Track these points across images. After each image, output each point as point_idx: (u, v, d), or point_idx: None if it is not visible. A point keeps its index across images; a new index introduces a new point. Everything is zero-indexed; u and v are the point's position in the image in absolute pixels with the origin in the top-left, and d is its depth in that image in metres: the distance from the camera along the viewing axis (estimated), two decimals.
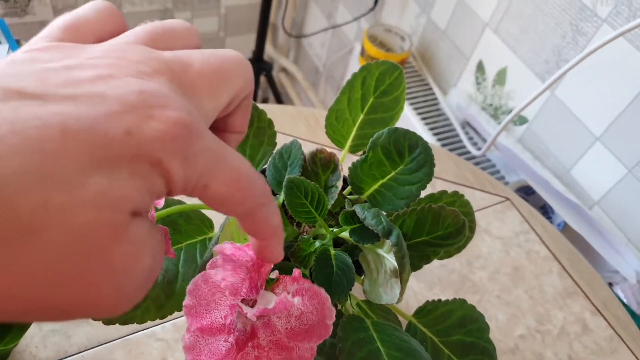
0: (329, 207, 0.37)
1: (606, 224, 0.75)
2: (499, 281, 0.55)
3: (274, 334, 0.24)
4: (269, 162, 0.39)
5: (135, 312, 0.31)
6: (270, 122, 0.39)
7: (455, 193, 0.40)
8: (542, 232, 0.61)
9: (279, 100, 1.38)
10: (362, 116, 0.40)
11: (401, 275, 0.31)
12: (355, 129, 0.40)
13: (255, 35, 1.24)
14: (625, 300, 0.73)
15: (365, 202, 0.38)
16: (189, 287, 0.23)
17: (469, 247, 0.57)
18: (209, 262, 0.24)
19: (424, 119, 0.94)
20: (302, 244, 0.36)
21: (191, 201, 0.43)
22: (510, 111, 0.88)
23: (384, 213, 0.33)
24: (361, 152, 0.39)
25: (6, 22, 1.11)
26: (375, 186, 0.37)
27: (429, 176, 0.35)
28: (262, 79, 1.36)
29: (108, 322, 0.31)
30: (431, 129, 0.93)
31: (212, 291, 0.23)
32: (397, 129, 0.36)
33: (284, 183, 0.36)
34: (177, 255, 0.34)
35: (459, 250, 0.41)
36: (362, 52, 1.01)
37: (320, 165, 0.39)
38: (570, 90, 0.77)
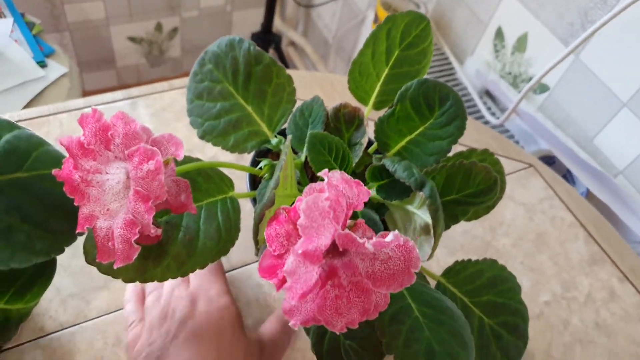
0: (353, 165, 0.36)
1: (631, 192, 0.73)
2: (522, 248, 0.54)
3: (355, 276, 0.24)
4: (289, 119, 0.38)
5: (155, 269, 0.30)
6: (289, 79, 0.37)
7: (485, 151, 0.38)
8: (567, 199, 0.59)
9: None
10: (387, 70, 0.38)
11: (435, 229, 0.29)
12: (379, 84, 0.39)
13: (264, 8, 1.21)
14: None
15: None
16: (302, 207, 0.23)
17: (492, 213, 0.55)
18: (314, 186, 0.24)
19: None
20: None
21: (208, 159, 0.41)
22: (530, 79, 0.85)
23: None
24: (386, 109, 0.38)
25: None
26: (403, 142, 0.35)
27: (460, 130, 0.33)
28: (271, 52, 1.33)
29: (129, 279, 0.30)
30: None
31: (323, 213, 0.23)
32: (426, 80, 0.34)
33: (306, 139, 0.34)
34: (198, 213, 0.33)
35: (487, 210, 0.39)
36: (376, 20, 0.98)
37: (343, 122, 0.37)
38: (596, 54, 0.74)
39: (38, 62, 0.96)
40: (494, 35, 0.89)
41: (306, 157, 0.36)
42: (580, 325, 0.49)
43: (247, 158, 0.47)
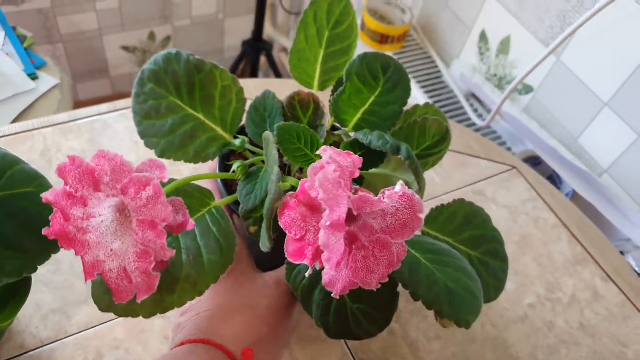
0: (322, 145, 0.37)
1: (616, 191, 0.73)
2: (506, 250, 0.54)
3: (373, 234, 0.26)
4: (245, 118, 0.39)
5: (172, 297, 0.31)
6: (234, 79, 0.38)
7: (426, 104, 0.42)
8: (550, 200, 0.59)
9: (278, 77, 1.36)
10: (322, 51, 0.41)
11: (419, 183, 0.31)
12: (318, 65, 0.41)
13: (254, 15, 1.22)
14: (637, 269, 0.72)
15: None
16: (318, 182, 0.24)
17: None
18: (316, 165, 0.26)
19: (427, 92, 0.92)
20: None
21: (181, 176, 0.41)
22: (514, 80, 0.85)
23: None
24: (331, 87, 0.40)
25: (2, 11, 1.10)
26: (359, 115, 0.38)
27: (406, 92, 0.37)
28: (262, 59, 1.34)
29: (149, 314, 0.30)
30: (435, 102, 0.91)
31: (335, 184, 0.24)
32: (366, 54, 0.36)
33: (274, 132, 0.35)
34: (192, 231, 0.33)
35: (440, 158, 0.41)
36: (362, 27, 0.99)
37: (299, 108, 0.39)
38: (576, 56, 0.74)
39: (29, 75, 0.96)
40: (478, 38, 0.90)
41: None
42: (565, 327, 0.49)
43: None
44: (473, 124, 0.87)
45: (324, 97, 0.40)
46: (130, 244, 0.26)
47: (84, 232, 0.27)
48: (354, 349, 0.44)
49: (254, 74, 1.31)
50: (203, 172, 0.40)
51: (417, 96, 0.91)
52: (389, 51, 0.98)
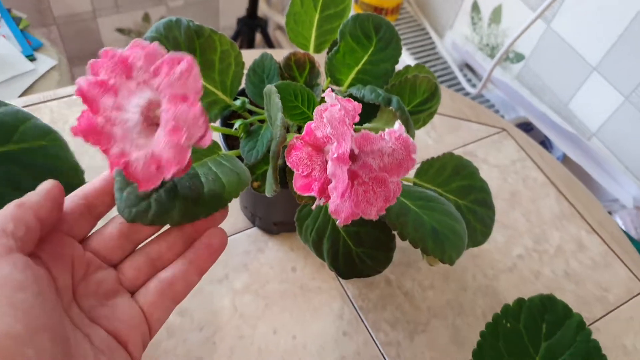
0: (318, 103, 0.39)
1: (604, 153, 0.76)
2: (497, 206, 0.56)
3: (372, 172, 0.29)
4: (244, 80, 0.41)
5: (198, 208, 0.30)
6: (232, 44, 0.39)
7: (418, 65, 0.43)
8: (539, 160, 0.62)
9: None
10: (317, 15, 0.43)
11: (409, 133, 0.33)
12: (314, 28, 0.43)
13: None
14: (624, 228, 0.75)
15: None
16: (326, 119, 0.27)
17: None
18: (321, 108, 0.28)
19: (421, 63, 0.94)
20: None
21: None
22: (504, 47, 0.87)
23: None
24: (327, 49, 0.42)
25: None
26: (353, 74, 0.40)
27: (398, 50, 0.39)
28: (258, 36, 1.35)
29: (177, 223, 0.29)
30: None
31: (341, 121, 0.27)
32: (358, 15, 0.38)
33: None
34: (206, 165, 0.33)
35: (431, 115, 0.43)
36: (356, 0, 1.00)
37: (295, 69, 0.41)
38: (565, 22, 0.76)
39: (27, 56, 0.98)
40: (471, 8, 0.91)
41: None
42: (551, 275, 0.52)
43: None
44: (467, 93, 0.89)
45: (321, 59, 0.42)
46: (159, 135, 0.25)
47: (112, 123, 0.26)
48: (354, 298, 0.47)
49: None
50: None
51: None
52: None
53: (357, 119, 0.30)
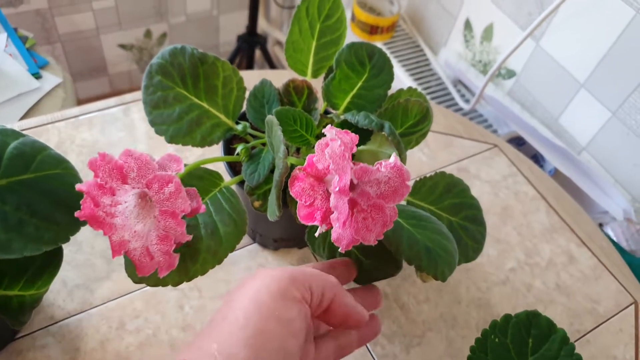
0: (316, 127, 0.41)
1: (594, 167, 0.78)
2: (489, 221, 0.59)
3: (370, 200, 0.31)
4: (245, 105, 0.43)
5: (195, 266, 0.35)
6: (235, 70, 0.42)
7: (410, 88, 0.46)
8: (530, 174, 0.64)
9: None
10: (314, 42, 0.45)
11: (401, 156, 0.35)
12: (311, 55, 0.46)
13: (248, 10, 1.25)
14: (615, 239, 0.76)
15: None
16: (328, 154, 0.29)
17: None
18: (322, 142, 0.30)
19: (416, 79, 0.97)
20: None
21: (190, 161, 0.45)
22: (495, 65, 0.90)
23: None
24: (324, 75, 0.44)
25: (3, 12, 1.13)
26: (348, 98, 0.42)
27: (390, 76, 0.42)
28: (257, 52, 1.38)
29: (177, 282, 0.35)
30: (424, 88, 0.95)
31: (342, 156, 0.29)
32: (353, 43, 0.41)
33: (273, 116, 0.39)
34: (207, 209, 0.37)
35: (424, 136, 0.46)
36: (353, 18, 1.03)
37: (294, 94, 0.43)
38: (554, 41, 0.79)
39: (33, 74, 1.00)
40: (463, 26, 0.94)
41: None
42: (543, 288, 0.54)
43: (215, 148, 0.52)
44: (460, 108, 0.92)
45: (318, 84, 0.45)
46: (152, 228, 0.31)
47: (112, 216, 0.31)
48: None
49: (249, 67, 1.35)
50: (209, 156, 0.44)
51: (407, 83, 0.96)
52: (379, 41, 1.02)
53: (355, 149, 0.32)
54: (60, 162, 0.38)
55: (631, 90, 0.70)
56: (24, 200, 0.35)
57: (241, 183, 0.43)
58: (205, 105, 0.42)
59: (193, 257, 0.36)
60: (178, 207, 0.30)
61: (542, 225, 0.59)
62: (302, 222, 0.31)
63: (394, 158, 0.30)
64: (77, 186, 0.31)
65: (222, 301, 0.49)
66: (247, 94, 0.44)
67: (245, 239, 0.53)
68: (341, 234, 0.30)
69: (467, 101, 0.94)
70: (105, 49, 1.47)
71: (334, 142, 0.29)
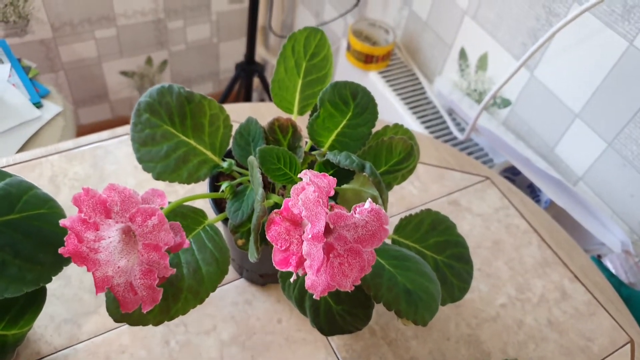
0: (300, 165, 0.42)
1: (591, 198, 0.77)
2: (480, 255, 0.58)
3: (347, 244, 0.31)
4: (231, 143, 0.44)
5: (177, 305, 0.35)
6: (221, 108, 0.43)
7: (396, 125, 0.46)
8: (522, 207, 0.63)
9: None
10: (300, 81, 0.46)
11: (382, 197, 0.35)
12: (297, 93, 0.46)
13: (246, 39, 1.28)
14: (614, 271, 0.75)
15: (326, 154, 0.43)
16: (301, 201, 0.29)
17: None
18: (297, 187, 0.30)
19: (411, 108, 0.97)
20: None
21: (174, 199, 0.45)
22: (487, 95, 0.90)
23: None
24: (309, 112, 0.45)
25: (7, 43, 1.16)
26: (332, 137, 0.43)
27: (374, 115, 0.42)
28: (256, 80, 1.40)
29: (158, 322, 0.35)
30: (419, 117, 0.96)
31: (315, 203, 0.29)
32: (337, 82, 0.41)
33: (257, 155, 0.40)
34: (190, 247, 0.38)
35: (410, 172, 0.46)
36: (349, 47, 1.04)
37: (279, 132, 0.44)
38: (548, 71, 0.79)
39: (34, 104, 1.02)
40: (458, 55, 0.95)
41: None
42: (534, 324, 0.53)
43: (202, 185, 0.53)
44: (454, 137, 0.92)
45: (303, 122, 0.45)
46: (136, 262, 0.31)
47: (95, 252, 0.31)
48: (338, 349, 0.48)
49: (248, 94, 1.36)
50: (197, 191, 0.44)
51: (401, 113, 0.96)
52: (374, 70, 1.03)
53: (332, 192, 0.32)
54: (46, 202, 0.38)
55: (627, 121, 0.70)
56: (8, 241, 0.35)
57: (226, 220, 0.43)
58: (192, 142, 0.43)
59: (175, 296, 0.36)
60: (161, 239, 0.30)
61: (534, 260, 0.59)
62: (277, 267, 0.31)
63: (369, 203, 0.30)
64: (61, 221, 0.31)
65: (208, 336, 0.48)
66: (234, 131, 0.44)
67: (232, 273, 0.53)
68: (315, 280, 0.29)
69: (462, 130, 0.94)
70: (107, 76, 1.50)
71: (308, 187, 0.29)
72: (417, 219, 0.44)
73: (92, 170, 0.59)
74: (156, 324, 0.36)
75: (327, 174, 0.33)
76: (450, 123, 0.93)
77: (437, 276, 0.42)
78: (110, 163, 0.60)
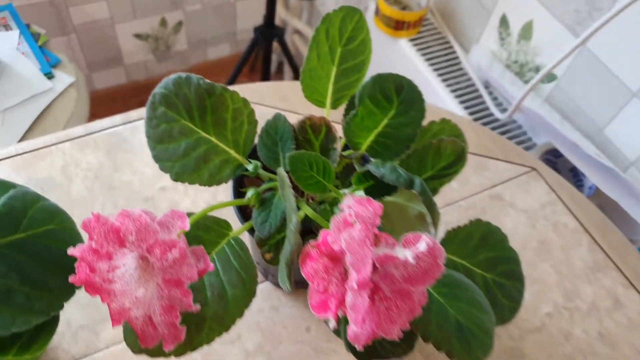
0: (334, 172, 0.37)
1: None
2: (524, 257, 0.53)
3: (394, 284, 0.26)
4: (257, 142, 0.39)
5: (200, 336, 0.32)
6: (245, 102, 0.38)
7: (443, 120, 0.41)
8: (571, 203, 0.58)
9: (293, 65, 1.34)
10: (334, 69, 0.41)
11: (433, 220, 0.31)
12: (331, 83, 0.41)
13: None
14: None
15: (364, 155, 0.39)
16: (345, 243, 0.24)
17: (493, 222, 0.55)
18: (339, 220, 0.26)
19: (444, 80, 0.90)
20: (322, 215, 0.36)
21: (198, 208, 0.41)
22: (537, 68, 0.82)
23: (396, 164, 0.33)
24: (344, 106, 0.40)
25: (14, 5, 1.10)
26: (371, 137, 0.38)
27: (421, 113, 0.36)
28: (275, 44, 1.32)
29: (179, 354, 0.32)
30: (452, 90, 0.89)
31: (361, 244, 0.25)
32: (379, 75, 0.36)
33: (286, 161, 0.35)
34: (214, 266, 0.34)
35: (456, 174, 0.41)
36: (377, 12, 0.96)
37: (311, 132, 0.39)
38: (604, 43, 0.71)
39: (45, 74, 0.97)
40: (499, 22, 0.87)
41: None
42: (583, 336, 0.49)
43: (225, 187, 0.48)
44: (492, 115, 0.85)
45: (337, 116, 0.40)
46: (155, 294, 0.27)
47: (109, 282, 0.28)
48: None
49: (267, 60, 1.29)
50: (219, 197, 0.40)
51: (434, 85, 0.89)
52: (404, 37, 0.95)
53: (379, 222, 0.27)
54: (55, 215, 0.35)
55: None
56: (14, 265, 0.32)
57: (252, 229, 0.39)
58: (213, 139, 0.38)
59: (198, 326, 0.33)
60: (184, 274, 0.27)
61: (584, 263, 0.54)
62: (314, 312, 0.27)
63: (425, 244, 0.25)
64: (70, 251, 0.27)
65: (232, 346, 0.46)
66: (259, 128, 0.39)
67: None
68: (359, 332, 0.25)
69: (499, 105, 0.87)
70: (121, 39, 1.43)
71: (353, 228, 0.25)
72: (465, 231, 0.39)
73: (106, 159, 0.55)
74: (178, 355, 0.32)
75: (372, 200, 0.28)
76: (488, 100, 0.86)
77: (487, 297, 0.38)
78: (124, 151, 0.55)
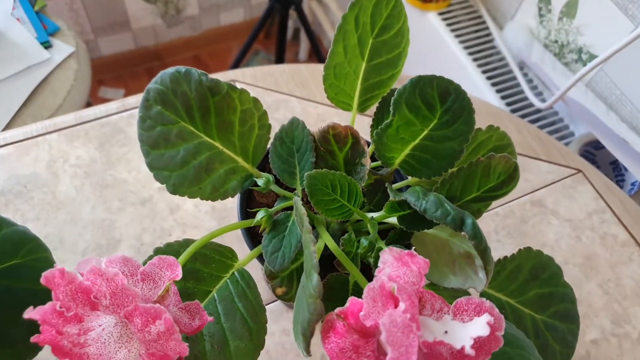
0: (362, 194, 0.31)
1: None
2: (568, 274, 0.47)
3: None
4: (270, 151, 0.33)
5: None
6: (256, 101, 0.31)
7: (491, 127, 0.35)
8: (621, 211, 0.51)
9: (309, 32, 1.25)
10: (364, 64, 0.34)
11: (486, 267, 0.25)
12: (359, 81, 0.35)
13: None
14: None
15: (397, 170, 0.33)
16: (384, 329, 0.19)
17: (533, 233, 0.49)
18: (375, 290, 0.21)
19: (476, 59, 0.82)
20: (346, 247, 0.31)
21: (200, 234, 0.35)
22: (579, 50, 0.74)
23: (444, 197, 0.27)
24: (374, 109, 0.33)
25: None
26: (407, 151, 0.32)
27: (469, 126, 0.30)
28: (292, 12, 1.23)
29: None
30: (484, 71, 0.81)
31: (405, 331, 0.20)
32: (420, 77, 0.29)
33: (305, 182, 0.29)
34: (214, 309, 0.29)
35: (506, 194, 0.35)
36: None
37: (334, 143, 0.33)
38: None
39: (42, 43, 0.90)
40: None
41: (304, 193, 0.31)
42: None
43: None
44: (526, 99, 0.77)
45: (362, 123, 0.33)
46: (139, 358, 0.22)
47: (81, 346, 0.22)
48: None
49: (283, 28, 1.20)
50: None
51: (465, 64, 0.81)
52: (433, 10, 0.86)
53: (424, 282, 0.21)
54: (20, 245, 0.29)
55: None
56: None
57: (261, 256, 0.33)
58: (217, 145, 0.32)
59: None
60: (171, 349, 0.22)
61: (635, 282, 0.48)
62: None
63: (487, 327, 0.20)
64: (26, 314, 0.22)
65: None
66: (273, 133, 0.33)
67: (266, 293, 0.44)
68: None
69: (534, 88, 0.79)
70: (127, 1, 1.35)
71: (395, 311, 0.19)
72: (513, 263, 0.33)
73: (98, 153, 0.49)
74: None
75: (415, 256, 0.22)
76: (525, 86, 0.78)
77: (536, 343, 0.33)
78: (119, 144, 0.49)
